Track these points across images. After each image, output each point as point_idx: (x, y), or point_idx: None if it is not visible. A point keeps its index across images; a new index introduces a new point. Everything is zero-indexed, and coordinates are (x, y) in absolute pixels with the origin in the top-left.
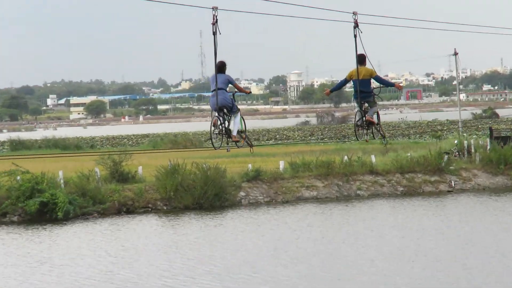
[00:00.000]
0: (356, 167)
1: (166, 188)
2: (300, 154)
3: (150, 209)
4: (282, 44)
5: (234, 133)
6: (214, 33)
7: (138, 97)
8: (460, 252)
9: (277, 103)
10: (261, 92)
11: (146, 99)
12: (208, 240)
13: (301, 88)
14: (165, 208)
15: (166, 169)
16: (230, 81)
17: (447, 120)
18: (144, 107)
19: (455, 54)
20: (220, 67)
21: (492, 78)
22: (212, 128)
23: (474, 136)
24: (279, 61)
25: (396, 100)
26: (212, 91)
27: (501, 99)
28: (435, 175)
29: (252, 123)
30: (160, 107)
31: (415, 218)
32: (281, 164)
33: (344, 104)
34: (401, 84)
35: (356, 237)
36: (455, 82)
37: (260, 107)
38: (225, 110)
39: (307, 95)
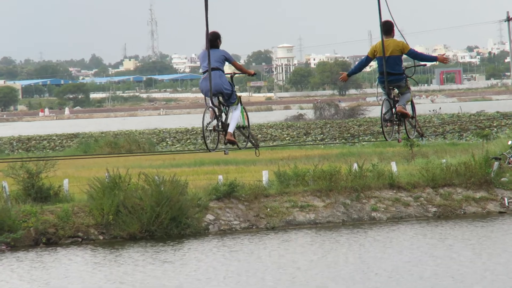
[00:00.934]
0: (371, 179)
1: (103, 209)
2: (291, 160)
3: (80, 240)
4: (267, 7)
5: (231, 129)
6: None
7: (62, 82)
8: None
9: (258, 89)
10: (236, 74)
11: (74, 85)
12: (156, 283)
13: (292, 69)
14: (101, 238)
15: (103, 182)
16: (227, 58)
17: (497, 112)
18: (71, 96)
19: (508, 19)
20: (213, 41)
21: None
22: (206, 121)
23: None
24: (261, 31)
25: (426, 85)
26: (204, 73)
27: None
28: (481, 190)
29: None
30: (93, 95)
31: (452, 251)
32: (265, 175)
33: (352, 91)
34: (446, 56)
35: (368, 279)
36: (508, 59)
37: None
38: (220, 98)
39: (301, 78)
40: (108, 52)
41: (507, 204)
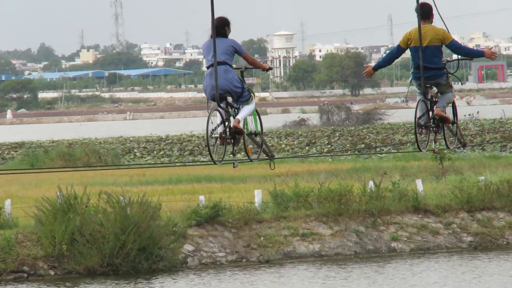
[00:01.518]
0: (390, 200)
1: (54, 238)
2: (291, 177)
3: (25, 275)
4: None
5: (240, 117)
6: None
7: (3, 78)
8: None
9: (251, 87)
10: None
11: (18, 81)
12: None
13: (292, 62)
14: (51, 273)
15: (54, 204)
16: (237, 50)
17: None
18: (14, 95)
19: None
20: (220, 28)
21: None
22: (210, 128)
23: None
24: (254, 14)
25: (459, 84)
26: (208, 67)
27: None
28: None
29: (200, 123)
30: (43, 94)
31: None
32: (258, 196)
33: (368, 90)
34: (493, 50)
35: None
36: None
37: None
38: (229, 99)
39: (303, 73)
40: (61, 40)
41: None
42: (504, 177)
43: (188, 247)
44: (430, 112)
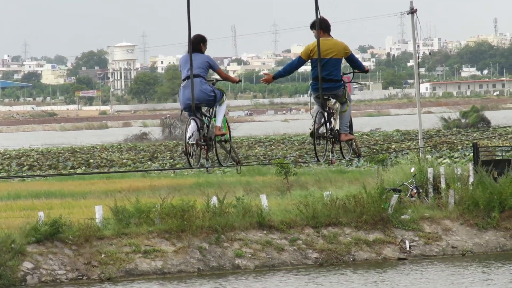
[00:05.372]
0: (234, 216)
1: None
2: (132, 193)
3: None
4: None
5: (219, 122)
6: None
7: None
8: None
9: (90, 100)
10: (61, 81)
11: None
12: None
13: (133, 74)
14: None
15: None
16: (211, 65)
17: (397, 130)
18: None
19: (412, 12)
20: (196, 44)
21: (479, 55)
22: (188, 135)
23: (445, 161)
24: (92, 24)
25: (304, 95)
26: (184, 80)
27: (494, 93)
28: (375, 231)
29: (39, 138)
30: None
31: None
32: (98, 212)
33: None
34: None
35: None
36: (411, 63)
37: (59, 108)
38: (203, 109)
39: (145, 86)
40: None
41: (408, 249)
42: (350, 192)
43: (27, 265)
44: (327, 124)
